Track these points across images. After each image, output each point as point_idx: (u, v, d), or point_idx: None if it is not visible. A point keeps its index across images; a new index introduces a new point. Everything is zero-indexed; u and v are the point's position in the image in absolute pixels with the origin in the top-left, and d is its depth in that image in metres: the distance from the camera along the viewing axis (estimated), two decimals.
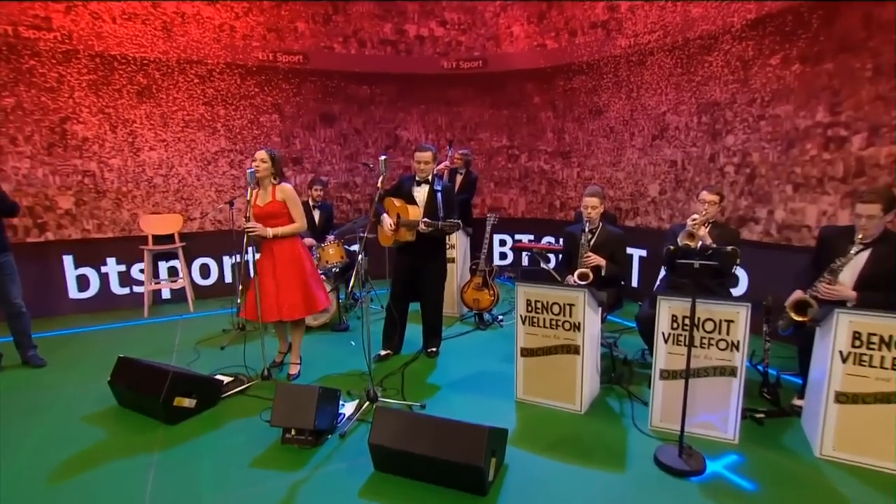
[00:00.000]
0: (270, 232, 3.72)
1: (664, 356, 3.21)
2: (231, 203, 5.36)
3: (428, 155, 4.04)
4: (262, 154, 3.73)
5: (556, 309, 3.54)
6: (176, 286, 6.30)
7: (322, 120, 7.17)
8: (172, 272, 6.48)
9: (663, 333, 3.20)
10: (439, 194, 4.13)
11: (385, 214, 4.05)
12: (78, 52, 5.88)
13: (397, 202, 4.09)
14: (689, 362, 2.87)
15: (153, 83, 6.24)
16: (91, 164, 6.07)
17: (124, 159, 6.21)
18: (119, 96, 6.11)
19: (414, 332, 4.69)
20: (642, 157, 6.21)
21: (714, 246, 3.69)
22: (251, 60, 6.68)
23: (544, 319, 3.58)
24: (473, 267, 5.49)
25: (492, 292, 5.38)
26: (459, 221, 3.88)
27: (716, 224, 3.88)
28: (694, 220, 3.75)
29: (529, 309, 3.63)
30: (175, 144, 6.43)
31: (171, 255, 6.41)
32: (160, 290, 6.36)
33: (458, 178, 6.20)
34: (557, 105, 7.10)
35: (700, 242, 3.73)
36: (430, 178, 4.09)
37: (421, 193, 4.11)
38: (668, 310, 3.18)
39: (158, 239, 6.27)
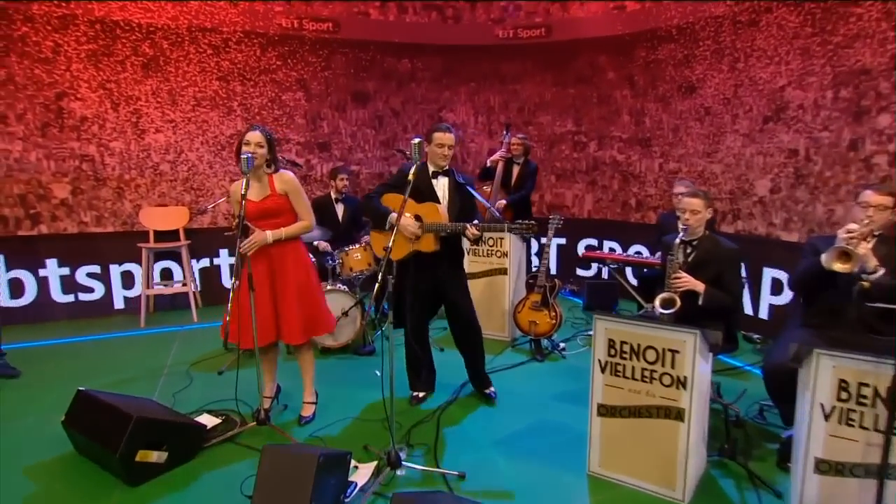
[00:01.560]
0: (271, 236, 3.02)
1: (822, 440, 2.26)
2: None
3: (453, 137, 3.29)
4: (257, 136, 3.00)
5: (651, 355, 2.65)
6: (177, 291, 5.71)
7: (354, 99, 6.49)
8: (118, 280, 5.92)
9: (822, 406, 2.24)
10: (471, 189, 3.35)
11: (398, 216, 3.26)
12: (76, 18, 5.37)
13: (410, 201, 3.31)
14: (886, 457, 1.91)
15: (160, 54, 5.68)
16: (90, 148, 5.56)
17: (127, 142, 5.68)
18: (122, 69, 5.57)
19: (446, 362, 3.87)
20: (748, 145, 5.19)
21: (880, 270, 2.70)
22: (273, 28, 6.04)
23: (633, 368, 2.70)
24: (531, 281, 4.62)
25: (553, 314, 4.50)
26: (534, 223, 3.11)
27: (883, 238, 2.86)
28: (850, 232, 2.74)
29: (612, 352, 2.76)
30: (185, 126, 5.86)
31: (175, 254, 5.85)
32: (144, 296, 5.78)
33: (515, 170, 5.41)
34: (637, 81, 6.16)
35: (859, 265, 2.72)
36: (446, 166, 3.35)
37: (441, 187, 3.34)
38: (831, 372, 2.22)
39: (161, 236, 5.70)
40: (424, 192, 3.29)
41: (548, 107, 6.80)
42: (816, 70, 4.56)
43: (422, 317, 3.55)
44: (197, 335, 5.11)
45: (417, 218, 3.27)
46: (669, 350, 2.60)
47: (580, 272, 6.65)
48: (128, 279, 5.77)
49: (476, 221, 3.17)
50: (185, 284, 5.73)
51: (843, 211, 4.43)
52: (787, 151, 4.86)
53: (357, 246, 4.69)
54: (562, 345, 4.71)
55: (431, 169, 3.34)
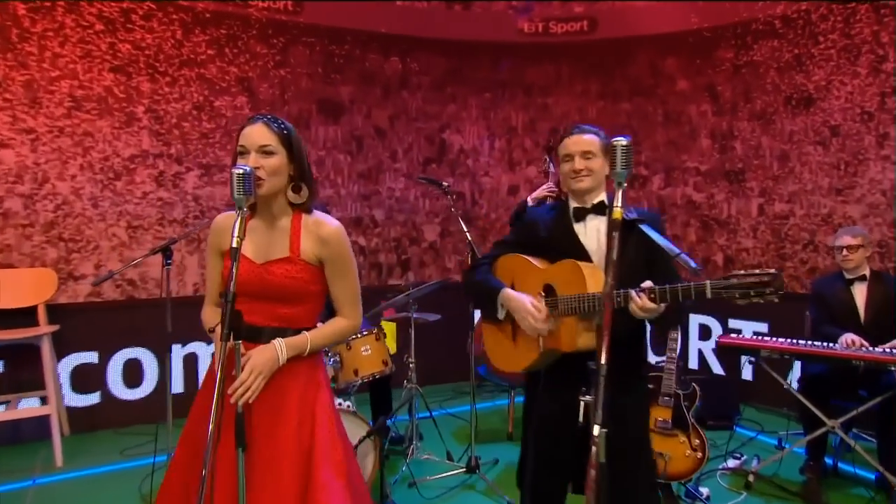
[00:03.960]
0: (284, 353, 1.73)
1: None
2: (165, 253, 3.02)
3: (590, 140, 2.15)
4: (260, 133, 1.73)
5: None
6: (30, 413, 3.83)
7: (322, 110, 5.24)
8: None
9: None
10: (649, 229, 2.01)
11: (510, 293, 2.14)
12: None
13: (538, 262, 2.20)
14: None
15: (13, 24, 4.10)
16: None
17: None
18: None
19: None
20: None
21: None
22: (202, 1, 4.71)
23: None
24: (650, 386, 3.23)
25: (696, 442, 3.13)
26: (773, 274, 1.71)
27: None
28: None
29: None
30: (53, 139, 4.27)
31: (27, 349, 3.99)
32: None
33: None
34: (721, 92, 5.25)
35: None
36: (602, 197, 2.21)
37: (591, 233, 2.17)
38: None
39: (4, 318, 3.88)
40: (562, 243, 2.16)
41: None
42: None
43: (552, 474, 2.17)
44: (62, 494, 3.29)
45: (548, 291, 2.09)
46: None
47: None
48: None
49: (649, 283, 1.88)
50: (44, 401, 3.87)
51: None
52: None
53: (365, 333, 3.18)
54: (704, 492, 3.27)
55: (574, 205, 2.20)
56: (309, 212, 1.81)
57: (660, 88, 5.50)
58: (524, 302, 2.05)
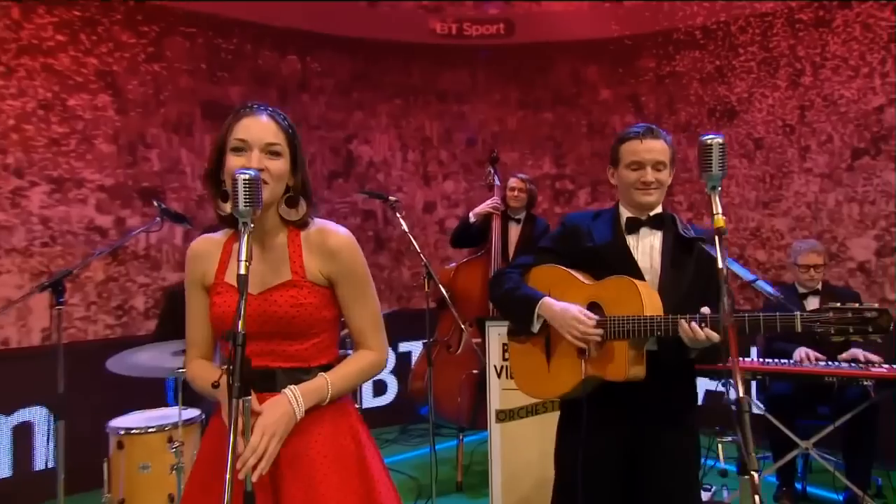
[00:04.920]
0: (301, 404, 1.45)
1: None
2: (56, 287, 2.54)
3: (666, 150, 2.05)
4: (266, 125, 1.49)
5: None
6: None
7: (207, 114, 4.81)
8: None
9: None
10: (708, 248, 2.01)
11: (552, 302, 2.02)
12: None
13: (582, 276, 2.09)
14: None
15: None
16: None
17: None
18: None
19: None
20: (832, 190, 4.60)
21: None
22: None
23: None
24: None
25: None
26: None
27: None
28: None
29: None
30: None
31: None
32: None
33: (513, 231, 4.34)
34: (645, 103, 5.42)
35: None
36: (660, 209, 2.13)
37: (646, 250, 2.09)
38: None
39: None
40: (613, 257, 2.09)
41: (513, 138, 5.78)
42: None
43: None
44: None
45: (594, 308, 1.98)
46: None
47: None
48: None
49: (705, 309, 1.81)
50: None
51: None
52: None
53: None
54: None
55: (626, 215, 2.12)
56: (305, 227, 1.54)
57: (583, 98, 5.59)
58: (570, 309, 1.92)
